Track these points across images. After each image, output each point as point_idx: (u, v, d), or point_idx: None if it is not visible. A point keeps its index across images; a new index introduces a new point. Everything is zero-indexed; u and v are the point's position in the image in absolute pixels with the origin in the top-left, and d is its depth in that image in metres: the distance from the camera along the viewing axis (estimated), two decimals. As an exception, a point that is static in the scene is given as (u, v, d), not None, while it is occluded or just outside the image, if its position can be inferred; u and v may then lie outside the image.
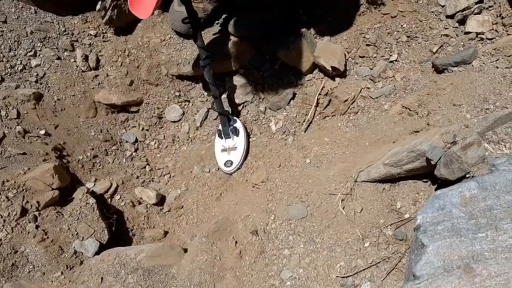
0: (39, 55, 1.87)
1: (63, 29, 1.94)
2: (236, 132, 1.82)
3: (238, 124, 1.85)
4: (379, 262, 1.24)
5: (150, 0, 1.36)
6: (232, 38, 1.93)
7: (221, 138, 1.84)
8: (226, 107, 1.90)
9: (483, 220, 0.98)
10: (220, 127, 1.85)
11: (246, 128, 1.88)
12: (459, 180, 1.15)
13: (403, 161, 1.28)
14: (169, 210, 1.85)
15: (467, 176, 1.12)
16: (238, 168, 1.80)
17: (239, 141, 1.82)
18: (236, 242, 1.43)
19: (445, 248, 0.95)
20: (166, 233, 1.77)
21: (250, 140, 1.88)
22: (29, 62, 1.85)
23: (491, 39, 1.54)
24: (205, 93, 1.98)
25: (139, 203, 1.84)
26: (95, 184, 1.81)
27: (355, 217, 1.34)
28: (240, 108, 1.93)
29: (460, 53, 1.51)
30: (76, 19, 1.97)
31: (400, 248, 1.25)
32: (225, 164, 1.79)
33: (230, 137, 1.82)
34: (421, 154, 1.24)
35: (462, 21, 1.62)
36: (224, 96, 1.92)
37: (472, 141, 1.13)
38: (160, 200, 1.85)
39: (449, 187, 1.07)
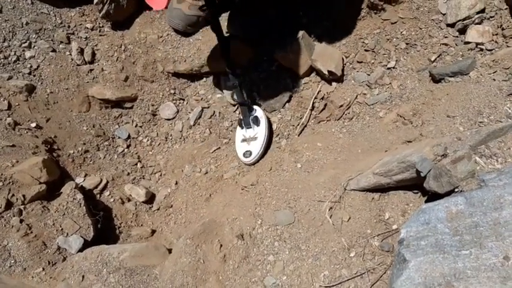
0: (34, 47, 1.86)
1: (59, 21, 1.92)
2: (257, 122, 1.77)
3: (260, 113, 1.80)
4: (364, 273, 1.22)
5: None
6: (230, 38, 1.91)
7: (242, 127, 1.80)
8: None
9: (468, 237, 0.96)
10: (241, 116, 1.81)
11: (268, 118, 1.83)
12: (448, 194, 1.12)
13: (393, 171, 1.26)
14: (158, 209, 1.83)
15: (456, 190, 1.10)
16: (258, 160, 1.75)
17: (260, 130, 1.77)
18: (221, 246, 1.41)
19: (427, 264, 0.93)
20: (153, 231, 1.75)
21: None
22: (23, 53, 1.83)
23: (491, 50, 1.51)
24: (200, 92, 1.97)
25: (129, 200, 1.82)
26: (84, 179, 1.79)
27: (342, 226, 1.31)
28: (234, 108, 1.91)
29: (458, 63, 1.49)
30: (73, 12, 1.96)
31: (386, 259, 1.23)
32: (243, 155, 1.75)
33: (251, 127, 1.77)
34: (411, 165, 1.21)
35: (462, 31, 1.59)
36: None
37: (463, 155, 1.10)
38: (150, 198, 1.84)
39: (436, 201, 1.05)
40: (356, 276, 1.22)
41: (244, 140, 1.78)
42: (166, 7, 1.83)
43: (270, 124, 1.82)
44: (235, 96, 1.78)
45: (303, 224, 1.37)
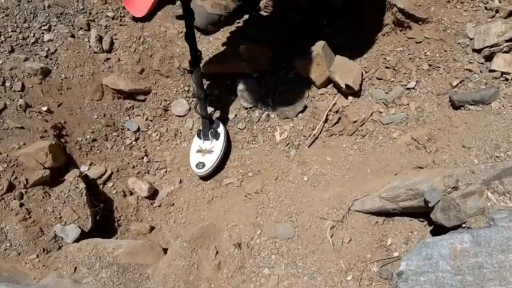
0: (53, 30, 1.85)
1: (81, 7, 1.91)
2: (216, 135, 1.77)
3: (221, 129, 1.80)
4: (358, 298, 1.19)
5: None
6: (250, 40, 1.88)
7: (200, 138, 1.80)
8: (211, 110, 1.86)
9: (470, 278, 0.92)
10: (201, 127, 1.80)
11: (228, 135, 1.83)
12: (455, 228, 1.08)
13: (400, 197, 1.22)
14: (159, 206, 1.81)
15: (463, 225, 1.06)
16: (210, 173, 1.76)
17: (217, 145, 1.77)
18: (217, 252, 1.38)
19: (424, 302, 0.90)
20: (152, 228, 1.73)
21: (252, 146, 1.83)
22: (42, 36, 1.82)
23: (516, 81, 1.46)
24: (215, 92, 1.94)
25: (131, 194, 1.80)
26: (89, 168, 1.78)
27: (342, 247, 1.28)
28: (247, 112, 1.87)
29: (480, 91, 1.44)
30: (95, -2, 1.95)
31: (383, 287, 1.20)
32: (196, 166, 1.75)
33: (208, 139, 1.77)
34: (419, 194, 1.17)
35: (489, 58, 1.54)
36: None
37: (474, 190, 1.06)
38: (152, 194, 1.82)
39: (441, 236, 1.01)
40: (350, 300, 1.19)
41: (199, 151, 1.77)
42: (146, 15, 1.82)
43: (228, 141, 1.83)
44: (198, 108, 1.76)
45: (302, 240, 1.34)
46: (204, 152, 1.76)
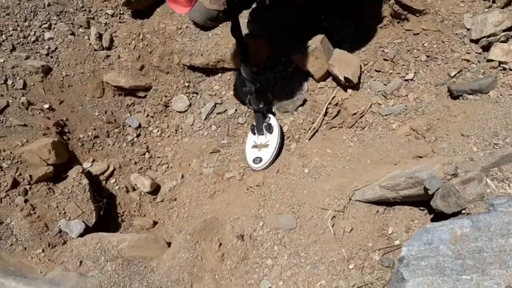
0: (54, 28, 1.86)
1: (81, 5, 1.92)
2: (270, 129, 1.75)
3: (273, 121, 1.77)
4: (361, 286, 1.20)
5: None
6: (248, 35, 1.89)
7: (254, 134, 1.77)
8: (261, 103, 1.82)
9: (471, 262, 0.93)
10: (254, 123, 1.79)
11: (281, 127, 1.81)
12: (455, 214, 1.10)
13: (401, 186, 1.23)
14: (162, 201, 1.83)
15: (462, 212, 1.07)
16: (267, 167, 1.72)
17: (272, 138, 1.74)
18: (220, 244, 1.40)
19: (425, 286, 0.91)
20: (155, 223, 1.75)
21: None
22: (43, 34, 1.84)
23: (514, 70, 1.47)
24: (215, 87, 1.95)
25: (134, 190, 1.82)
26: (92, 164, 1.80)
27: (344, 236, 1.29)
28: (247, 107, 1.89)
29: (478, 80, 1.45)
30: (95, -4, 1.96)
31: (385, 275, 1.21)
32: (253, 161, 1.72)
33: (263, 134, 1.75)
34: (419, 182, 1.19)
35: (486, 48, 1.55)
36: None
37: (473, 176, 1.08)
38: (155, 190, 1.83)
39: (441, 222, 1.02)
40: (353, 289, 1.20)
41: (255, 146, 1.75)
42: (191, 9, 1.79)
43: (282, 133, 1.80)
44: (250, 103, 1.75)
45: (304, 231, 1.35)
46: (260, 147, 1.74)
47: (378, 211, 1.32)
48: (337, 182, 1.45)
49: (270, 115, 1.79)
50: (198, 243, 1.40)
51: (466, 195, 1.06)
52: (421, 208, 1.30)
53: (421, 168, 1.20)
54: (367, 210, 1.32)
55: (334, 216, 1.34)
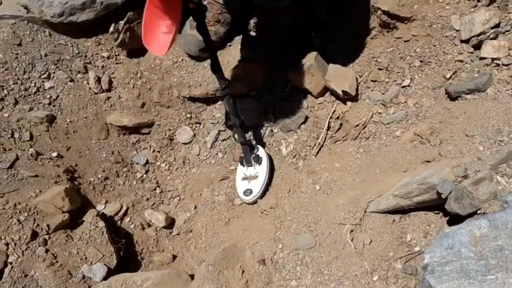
0: (53, 77, 1.90)
1: (76, 52, 1.97)
2: (258, 160, 1.76)
3: (262, 152, 1.79)
4: (387, 297, 1.21)
5: (165, 38, 1.32)
6: (243, 60, 1.93)
7: (243, 165, 1.79)
8: (248, 135, 1.88)
9: (493, 261, 0.95)
10: (242, 154, 1.80)
11: (270, 157, 1.82)
12: (470, 215, 1.11)
13: (413, 193, 1.25)
14: (178, 234, 1.84)
15: (478, 212, 1.09)
16: (258, 198, 1.73)
17: (261, 169, 1.75)
18: (243, 271, 1.41)
19: (453, 291, 0.92)
20: (174, 257, 1.76)
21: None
22: (43, 85, 1.87)
23: (507, 65, 1.50)
24: (216, 115, 1.98)
25: (149, 226, 1.84)
26: (105, 206, 1.81)
27: (364, 249, 1.31)
28: (250, 131, 1.92)
29: (474, 79, 1.48)
30: (89, 41, 2.00)
31: (410, 282, 1.22)
32: (244, 193, 1.74)
33: (252, 165, 1.77)
34: (431, 187, 1.21)
35: (477, 46, 1.58)
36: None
37: (484, 176, 1.10)
38: (170, 223, 1.85)
39: (459, 225, 1.04)
40: (380, 300, 1.21)
41: (245, 178, 1.77)
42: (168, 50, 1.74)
43: (271, 164, 1.81)
44: (236, 136, 1.77)
45: (324, 248, 1.37)
46: (250, 179, 1.75)
47: (394, 220, 1.33)
48: (350, 196, 1.47)
49: (258, 146, 1.82)
50: (220, 272, 1.41)
51: (479, 196, 1.08)
52: (436, 212, 1.31)
53: (431, 173, 1.22)
54: (383, 220, 1.34)
55: (352, 230, 1.35)
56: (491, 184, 1.09)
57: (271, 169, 1.80)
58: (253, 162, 1.76)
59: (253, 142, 1.86)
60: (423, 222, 1.32)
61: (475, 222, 1.02)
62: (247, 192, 1.73)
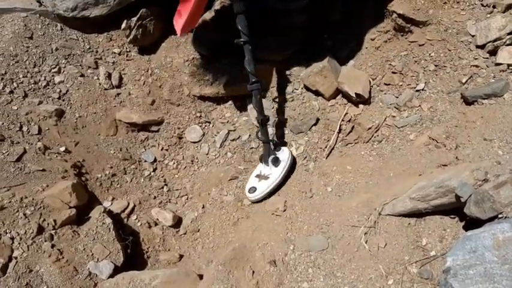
0: (63, 72, 1.88)
1: (87, 47, 1.95)
2: (276, 163, 1.72)
3: (284, 156, 1.74)
4: (402, 301, 1.19)
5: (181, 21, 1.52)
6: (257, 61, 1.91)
7: (261, 162, 1.77)
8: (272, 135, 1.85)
9: (518, 266, 0.93)
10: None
11: (294, 162, 1.77)
12: (491, 219, 1.09)
13: (431, 196, 1.24)
14: (185, 233, 1.82)
15: (499, 216, 1.07)
16: (260, 200, 1.70)
17: (275, 172, 1.72)
18: (253, 272, 1.39)
19: (477, 295, 0.90)
20: (181, 256, 1.73)
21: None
22: (53, 79, 1.86)
23: (523, 71, 1.49)
24: (226, 115, 1.97)
25: (156, 224, 1.81)
26: (112, 203, 1.79)
27: (379, 252, 1.29)
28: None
29: (491, 85, 1.47)
30: (101, 37, 1.99)
31: (425, 287, 1.20)
32: (249, 190, 1.72)
33: (268, 165, 1.73)
34: (449, 190, 1.19)
35: (493, 52, 1.57)
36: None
37: (506, 180, 1.08)
38: (177, 222, 1.83)
39: (481, 228, 1.02)
40: (395, 304, 1.19)
41: (258, 175, 1.74)
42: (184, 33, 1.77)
43: (291, 169, 1.76)
44: (259, 133, 1.74)
45: (337, 250, 1.35)
46: (261, 178, 1.72)
47: (409, 223, 1.31)
48: (363, 198, 1.45)
49: (284, 148, 1.78)
50: (230, 272, 1.39)
51: (501, 199, 1.06)
52: (452, 216, 1.29)
53: (450, 177, 1.20)
54: (398, 223, 1.32)
55: (366, 233, 1.33)
56: (513, 188, 1.07)
57: (288, 175, 1.76)
58: (269, 162, 1.72)
59: (278, 142, 1.81)
60: (438, 226, 1.30)
61: (498, 226, 1.00)
62: (252, 189, 1.71)
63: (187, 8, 1.55)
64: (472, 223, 1.16)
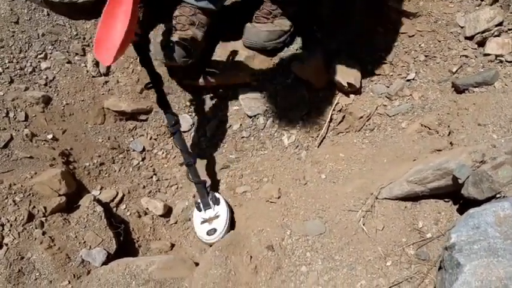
0: (50, 58, 1.83)
1: (75, 33, 1.90)
2: (217, 201, 1.66)
3: (217, 194, 1.70)
4: (401, 282, 1.21)
5: (112, 45, 1.20)
6: (246, 50, 1.91)
7: (200, 210, 1.66)
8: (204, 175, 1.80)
9: (519, 241, 0.96)
10: (198, 199, 1.68)
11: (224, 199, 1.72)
12: (488, 200, 1.13)
13: (428, 178, 1.26)
14: (175, 223, 1.79)
15: (497, 196, 1.10)
16: (223, 236, 1.58)
17: (221, 209, 1.65)
18: (251, 257, 1.38)
19: (482, 268, 0.93)
20: (173, 245, 1.71)
21: (262, 153, 1.84)
22: (39, 65, 1.80)
23: (511, 61, 1.54)
24: (217, 104, 1.95)
25: (145, 214, 1.78)
26: (100, 192, 1.75)
27: (377, 235, 1.31)
28: (251, 120, 1.89)
29: (482, 73, 1.51)
30: (88, 23, 1.94)
31: (423, 268, 1.22)
32: (207, 233, 1.60)
33: (210, 207, 1.65)
34: (447, 172, 1.22)
35: (481, 43, 1.62)
36: (236, 107, 1.89)
37: (503, 160, 1.11)
38: (167, 212, 1.80)
39: (483, 206, 1.05)
40: (394, 285, 1.21)
41: (204, 221, 1.64)
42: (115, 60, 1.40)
43: (229, 204, 1.72)
44: (189, 175, 1.65)
45: (335, 234, 1.36)
46: (210, 220, 1.63)
47: (405, 207, 1.34)
48: (358, 184, 1.47)
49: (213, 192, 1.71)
50: (228, 258, 1.38)
51: (499, 179, 1.09)
52: (446, 200, 1.33)
53: (448, 159, 1.23)
54: (395, 206, 1.34)
55: (363, 217, 1.35)
56: None
57: (231, 209, 1.71)
58: (211, 203, 1.65)
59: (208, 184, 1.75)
60: (433, 209, 1.33)
61: (498, 204, 1.04)
62: (211, 231, 1.61)
63: (116, 34, 1.25)
64: (467, 205, 1.19)
